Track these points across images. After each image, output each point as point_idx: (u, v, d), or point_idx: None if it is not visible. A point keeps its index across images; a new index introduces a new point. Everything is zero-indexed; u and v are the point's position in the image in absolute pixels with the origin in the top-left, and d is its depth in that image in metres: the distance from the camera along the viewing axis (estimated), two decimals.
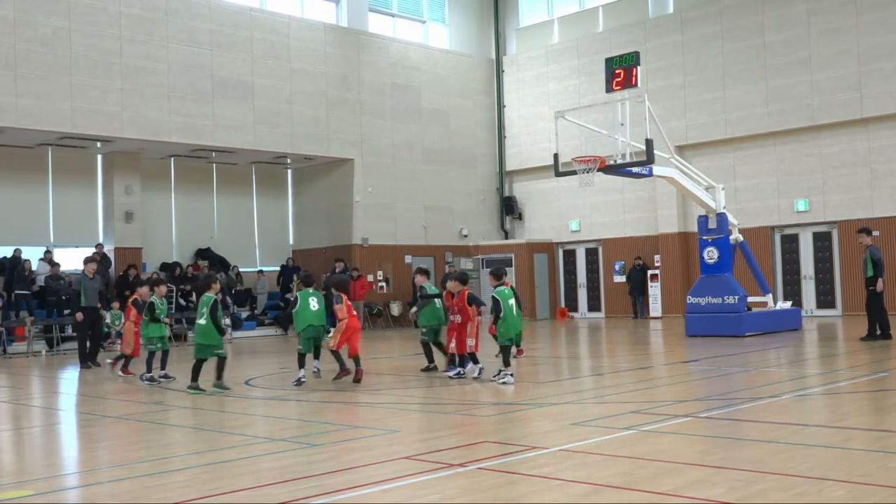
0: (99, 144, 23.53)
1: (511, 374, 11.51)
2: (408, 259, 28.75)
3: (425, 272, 14.23)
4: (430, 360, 13.41)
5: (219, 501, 5.71)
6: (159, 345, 13.42)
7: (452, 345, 12.56)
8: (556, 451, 6.94)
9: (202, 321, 11.67)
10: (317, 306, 12.59)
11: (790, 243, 26.31)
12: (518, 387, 11.78)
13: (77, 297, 16.58)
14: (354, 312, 12.99)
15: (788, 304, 21.96)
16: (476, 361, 12.31)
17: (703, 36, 27.48)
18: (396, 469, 6.46)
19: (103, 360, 16.85)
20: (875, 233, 23.87)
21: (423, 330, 13.41)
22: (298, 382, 12.10)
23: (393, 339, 22.10)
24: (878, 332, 16.17)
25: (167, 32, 23.68)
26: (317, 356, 13.16)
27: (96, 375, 15.35)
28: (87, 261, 17.06)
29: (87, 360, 16.47)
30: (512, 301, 11.67)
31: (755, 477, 5.83)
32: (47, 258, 22.87)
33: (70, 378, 16.04)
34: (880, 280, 15.97)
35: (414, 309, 14.13)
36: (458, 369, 12.40)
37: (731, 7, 26.96)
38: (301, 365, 12.34)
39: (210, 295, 11.80)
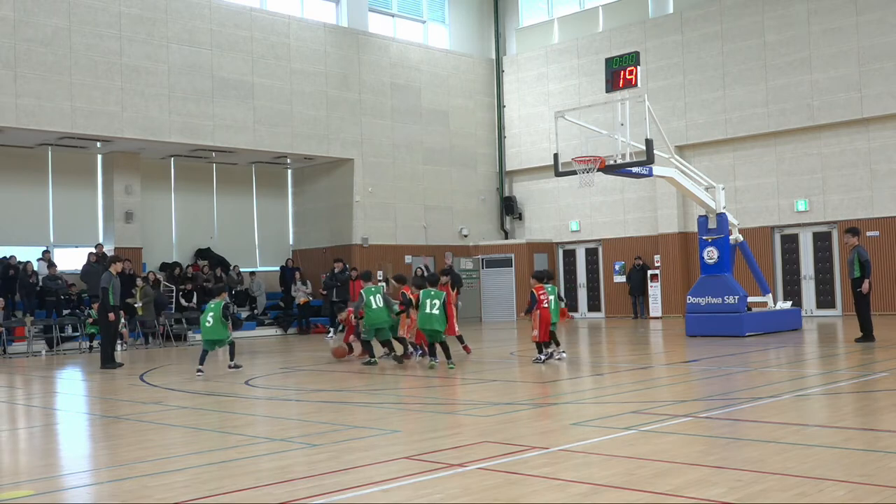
0: (99, 144, 23.54)
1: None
2: (408, 259, 28.74)
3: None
4: (372, 355, 14.82)
5: (219, 501, 5.70)
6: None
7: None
8: (556, 451, 6.94)
9: (436, 311, 13.63)
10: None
11: (790, 243, 26.32)
12: (518, 387, 11.79)
13: (106, 296, 16.15)
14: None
15: (788, 305, 21.95)
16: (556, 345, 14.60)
17: (703, 36, 27.48)
18: (396, 469, 6.46)
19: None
20: (875, 233, 23.94)
21: (365, 329, 14.82)
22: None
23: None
24: (861, 333, 16.08)
25: (167, 32, 23.68)
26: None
27: (103, 376, 15.34)
28: (113, 260, 16.72)
29: (114, 360, 16.29)
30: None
31: (755, 477, 5.83)
32: (46, 258, 22.87)
33: (69, 378, 16.04)
34: (867, 281, 15.88)
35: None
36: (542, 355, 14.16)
37: (732, 7, 26.96)
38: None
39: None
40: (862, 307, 15.98)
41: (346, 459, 6.89)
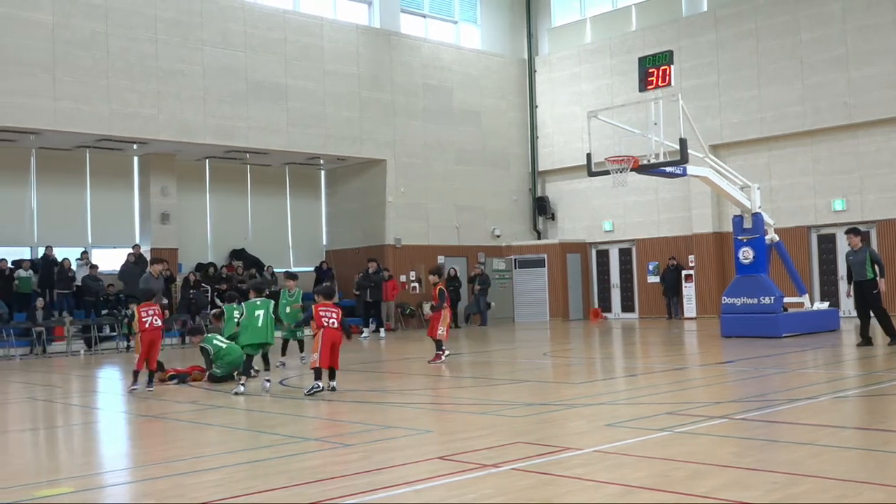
0: (135, 146, 23.80)
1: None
2: (440, 259, 28.75)
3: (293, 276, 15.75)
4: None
5: (252, 501, 5.74)
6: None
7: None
8: (590, 451, 6.91)
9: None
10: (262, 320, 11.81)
11: (827, 243, 25.98)
12: (552, 387, 11.75)
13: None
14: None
15: (825, 305, 21.68)
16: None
17: (737, 34, 27.21)
18: (429, 469, 6.46)
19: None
20: None
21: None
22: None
23: (425, 340, 22.09)
24: (866, 336, 15.57)
25: (202, 35, 23.89)
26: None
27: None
28: (153, 261, 16.72)
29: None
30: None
31: (792, 479, 5.77)
32: (84, 259, 23.16)
33: (107, 377, 16.24)
34: (882, 280, 15.59)
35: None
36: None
37: (766, 5, 26.67)
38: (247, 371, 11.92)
39: None
40: (880, 308, 15.59)
41: (379, 459, 6.90)
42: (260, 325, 11.60)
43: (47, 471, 7.38)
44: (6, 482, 6.68)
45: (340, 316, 11.35)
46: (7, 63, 20.66)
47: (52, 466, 7.68)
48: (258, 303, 11.74)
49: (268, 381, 11.81)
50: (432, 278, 15.66)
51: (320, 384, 11.04)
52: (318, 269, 27.72)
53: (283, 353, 15.63)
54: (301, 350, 15.85)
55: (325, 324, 11.14)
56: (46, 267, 22.20)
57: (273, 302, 12.13)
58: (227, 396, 11.51)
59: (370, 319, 23.94)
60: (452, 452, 7.01)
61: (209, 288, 24.27)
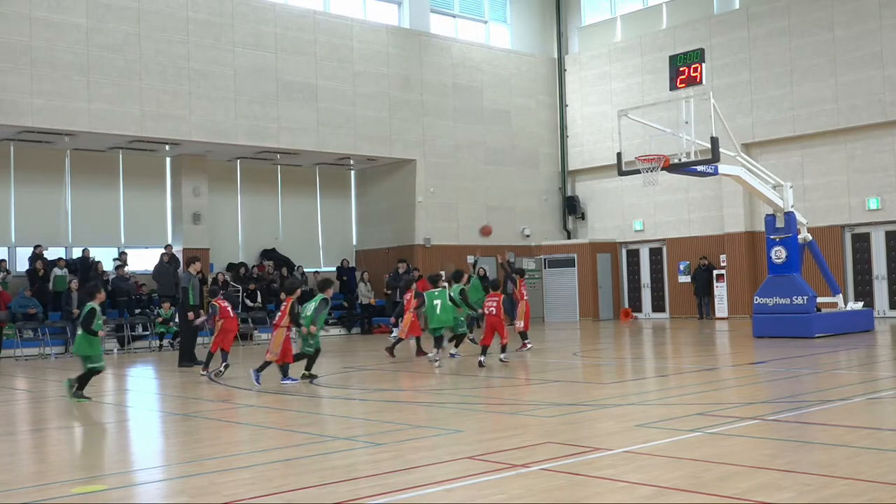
0: (167, 147, 24.02)
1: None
2: (470, 259, 28.73)
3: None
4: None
5: (283, 500, 5.78)
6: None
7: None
8: (620, 452, 6.89)
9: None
10: (440, 308, 14.59)
11: (861, 242, 25.67)
12: (582, 387, 11.71)
13: (186, 296, 16.25)
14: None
15: (860, 305, 21.42)
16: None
17: (769, 31, 26.96)
18: (459, 469, 6.47)
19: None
20: None
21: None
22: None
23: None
24: None
25: (233, 37, 24.07)
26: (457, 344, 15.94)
27: (172, 374, 15.66)
28: (192, 260, 16.63)
29: (195, 357, 16.27)
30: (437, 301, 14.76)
31: (825, 481, 5.72)
32: (122, 259, 23.39)
33: (140, 376, 16.42)
34: None
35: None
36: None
37: (799, 1, 26.39)
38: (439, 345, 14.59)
39: None
40: None
41: (410, 459, 6.93)
42: (438, 311, 14.53)
43: (82, 468, 7.48)
44: (42, 479, 6.79)
45: (500, 302, 14.21)
46: (42, 66, 20.96)
47: (87, 464, 7.78)
48: (436, 293, 14.81)
49: (437, 360, 14.41)
50: (515, 277, 18.39)
51: (482, 359, 13.90)
52: (339, 269, 27.76)
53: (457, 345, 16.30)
54: (457, 345, 16.16)
55: (486, 311, 14.20)
56: (83, 269, 22.46)
57: (447, 293, 14.93)
58: (259, 395, 11.59)
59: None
60: (482, 452, 7.01)
61: (239, 288, 24.45)
